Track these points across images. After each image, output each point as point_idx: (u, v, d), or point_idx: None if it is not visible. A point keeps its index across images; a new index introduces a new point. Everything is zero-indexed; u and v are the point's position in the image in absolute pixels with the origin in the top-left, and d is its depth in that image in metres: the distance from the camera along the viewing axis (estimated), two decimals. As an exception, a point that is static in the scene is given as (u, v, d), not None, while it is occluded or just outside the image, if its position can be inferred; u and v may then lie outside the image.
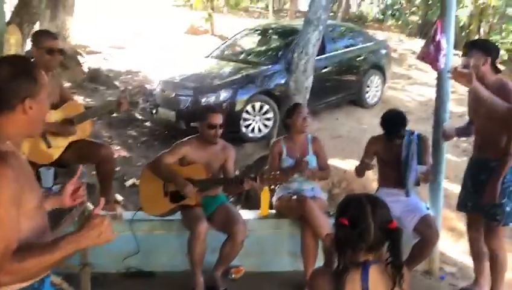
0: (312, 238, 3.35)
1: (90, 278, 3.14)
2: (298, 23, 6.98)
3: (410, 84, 9.82)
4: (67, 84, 7.47)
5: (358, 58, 7.76)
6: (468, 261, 3.73)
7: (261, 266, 3.68)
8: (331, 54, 7.28)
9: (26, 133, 1.57)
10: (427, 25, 15.30)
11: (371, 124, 6.80)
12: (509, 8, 13.55)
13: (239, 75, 6.41)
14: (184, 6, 16.30)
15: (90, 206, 3.97)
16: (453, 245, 4.28)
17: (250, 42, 8.28)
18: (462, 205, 3.36)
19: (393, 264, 1.66)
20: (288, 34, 7.37)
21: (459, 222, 4.37)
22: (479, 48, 3.01)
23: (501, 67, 3.12)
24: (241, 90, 6.14)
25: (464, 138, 5.41)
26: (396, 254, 1.66)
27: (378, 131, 3.58)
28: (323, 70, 6.98)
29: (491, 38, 15.18)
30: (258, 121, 6.22)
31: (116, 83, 8.48)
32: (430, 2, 16.13)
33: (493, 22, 15.16)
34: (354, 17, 18.38)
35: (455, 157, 6.03)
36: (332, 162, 4.93)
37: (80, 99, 6.40)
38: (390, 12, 19.62)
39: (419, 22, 17.46)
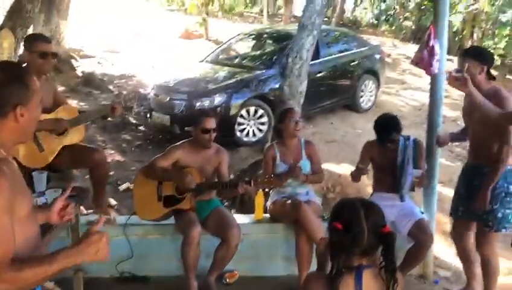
0: (306, 242, 3.34)
1: (83, 283, 3.12)
2: (293, 28, 7.00)
3: (404, 89, 9.88)
4: (61, 88, 7.45)
5: (353, 63, 7.79)
6: (462, 265, 3.74)
7: (255, 270, 3.67)
8: (326, 58, 7.30)
9: (18, 140, 1.56)
10: (421, 30, 15.42)
11: (365, 129, 6.82)
12: (501, 14, 13.67)
13: (233, 80, 6.42)
14: (178, 10, 16.32)
15: (83, 210, 3.97)
16: (447, 249, 4.29)
17: (245, 47, 8.29)
18: (454, 210, 3.38)
19: (387, 268, 1.66)
20: (282, 39, 7.39)
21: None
22: (475, 57, 3.01)
23: (494, 72, 3.14)
24: (235, 94, 6.15)
25: (457, 143, 5.44)
26: (389, 259, 1.66)
27: (373, 135, 3.59)
28: (318, 75, 7.01)
29: (484, 44, 15.32)
30: (252, 126, 6.23)
31: (110, 87, 8.46)
32: (423, 7, 16.25)
33: (486, 27, 15.29)
34: (348, 22, 18.48)
35: (449, 162, 6.06)
36: (327, 166, 4.94)
37: (73, 103, 6.37)
38: (384, 17, 19.75)
39: (413, 27, 17.59)
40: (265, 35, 8.26)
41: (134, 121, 6.93)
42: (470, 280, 3.43)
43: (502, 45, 16.00)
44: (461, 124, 3.51)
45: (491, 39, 16.11)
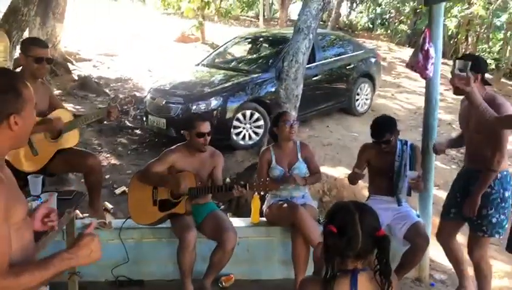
0: (303, 246, 3.34)
1: (78, 288, 3.11)
2: (289, 31, 7.01)
3: (399, 93, 9.91)
4: (57, 92, 7.43)
5: (348, 67, 7.81)
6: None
7: (252, 274, 3.67)
8: (321, 62, 7.32)
9: (13, 147, 1.55)
10: (416, 34, 15.53)
11: (361, 132, 6.84)
12: (496, 18, 13.78)
13: (229, 83, 6.42)
14: (175, 14, 16.33)
15: (79, 214, 3.95)
16: (443, 252, 4.30)
17: (241, 50, 8.30)
18: (446, 211, 3.39)
19: (382, 271, 1.66)
20: (278, 43, 7.40)
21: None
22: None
23: (488, 76, 3.15)
24: (231, 98, 6.15)
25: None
26: (384, 262, 1.66)
27: (368, 139, 3.60)
28: (314, 79, 7.01)
29: (478, 48, 15.42)
30: (248, 129, 6.23)
31: (107, 90, 8.45)
32: (418, 11, 16.35)
33: (481, 31, 15.39)
34: (343, 26, 18.57)
35: (444, 165, 6.09)
36: (323, 169, 4.94)
37: (69, 106, 6.35)
38: (379, 21, 19.88)
39: (408, 31, 17.71)
40: (261, 39, 8.27)
41: (130, 125, 6.91)
42: (461, 279, 3.45)
43: (497, 48, 16.12)
44: (456, 127, 3.53)
45: (486, 43, 16.23)
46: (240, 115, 6.15)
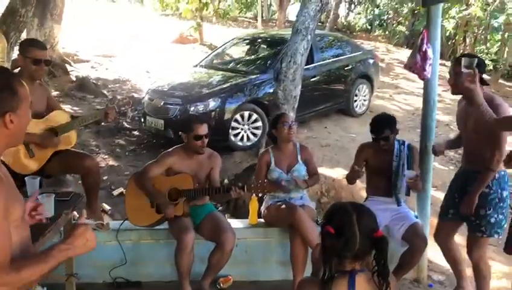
0: (301, 247, 3.34)
1: (75, 289, 3.10)
2: (287, 32, 7.01)
3: (397, 94, 9.93)
4: (54, 93, 7.42)
5: (347, 68, 7.81)
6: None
7: (250, 275, 3.66)
8: (320, 63, 7.32)
9: (9, 145, 1.57)
10: (414, 35, 15.55)
11: (359, 133, 6.85)
12: (493, 19, 13.81)
13: (228, 84, 6.42)
14: (173, 15, 16.34)
15: (76, 215, 3.94)
16: (441, 253, 4.30)
17: (239, 51, 8.31)
18: (444, 212, 3.39)
19: (380, 272, 1.66)
20: (277, 44, 7.41)
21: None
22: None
23: (486, 77, 3.16)
24: (229, 99, 6.15)
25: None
26: (382, 263, 1.66)
27: (367, 139, 3.60)
28: (312, 80, 7.02)
29: (476, 49, 15.45)
30: (246, 130, 6.22)
31: (104, 91, 8.44)
32: (416, 12, 16.39)
33: (478, 32, 15.43)
34: (342, 27, 18.60)
35: (442, 166, 6.09)
36: (321, 170, 4.94)
37: (67, 108, 6.35)
38: (377, 22, 19.91)
39: (406, 32, 17.74)
40: (259, 40, 8.28)
41: (128, 126, 6.91)
42: (459, 280, 3.45)
43: (494, 50, 16.17)
44: (454, 128, 3.53)
45: (484, 44, 16.27)
46: (238, 116, 6.15)
